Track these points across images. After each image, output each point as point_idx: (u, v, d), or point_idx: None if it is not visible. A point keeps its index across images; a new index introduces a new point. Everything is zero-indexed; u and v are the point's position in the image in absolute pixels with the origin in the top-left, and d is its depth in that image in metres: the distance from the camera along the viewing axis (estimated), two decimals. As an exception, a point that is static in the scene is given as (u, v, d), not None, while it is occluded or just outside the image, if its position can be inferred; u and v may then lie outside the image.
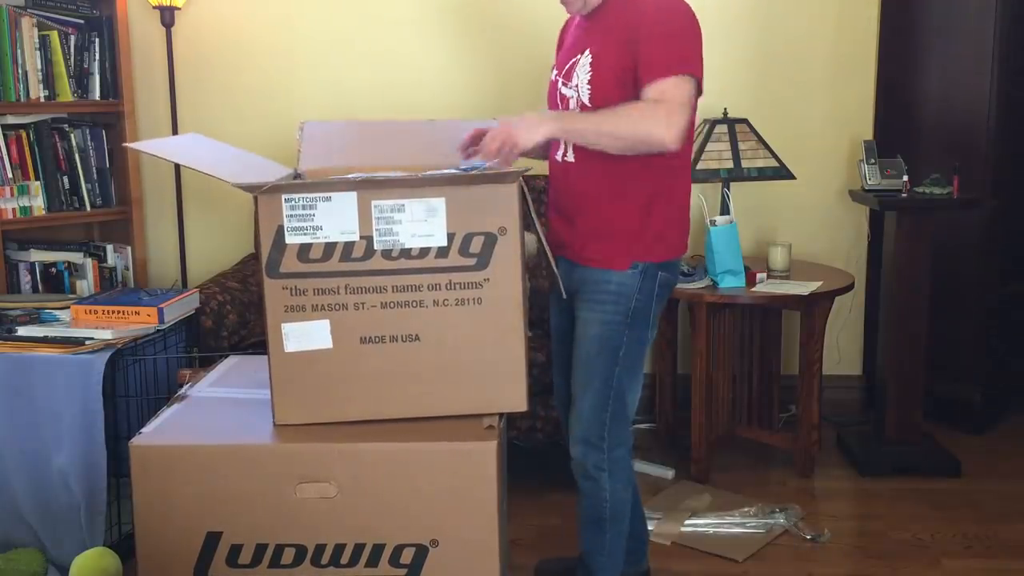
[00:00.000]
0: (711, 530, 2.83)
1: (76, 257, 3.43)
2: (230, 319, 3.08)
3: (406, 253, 1.84)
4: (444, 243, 1.84)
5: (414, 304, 1.85)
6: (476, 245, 1.84)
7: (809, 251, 3.64)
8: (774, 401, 3.39)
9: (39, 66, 3.28)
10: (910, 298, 3.19)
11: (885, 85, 3.63)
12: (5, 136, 3.20)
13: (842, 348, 3.77)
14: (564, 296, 2.18)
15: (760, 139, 3.36)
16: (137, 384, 2.57)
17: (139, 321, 2.63)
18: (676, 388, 3.49)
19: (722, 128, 3.34)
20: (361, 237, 1.83)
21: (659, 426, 3.52)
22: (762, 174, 3.30)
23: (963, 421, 3.55)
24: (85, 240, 3.57)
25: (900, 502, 3.03)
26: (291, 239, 1.83)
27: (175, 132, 3.59)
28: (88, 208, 3.42)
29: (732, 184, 3.37)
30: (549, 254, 2.08)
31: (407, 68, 3.63)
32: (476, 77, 3.65)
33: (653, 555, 2.52)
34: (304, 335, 1.86)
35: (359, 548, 1.85)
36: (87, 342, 2.50)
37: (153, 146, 2.30)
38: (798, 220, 3.69)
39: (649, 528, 2.55)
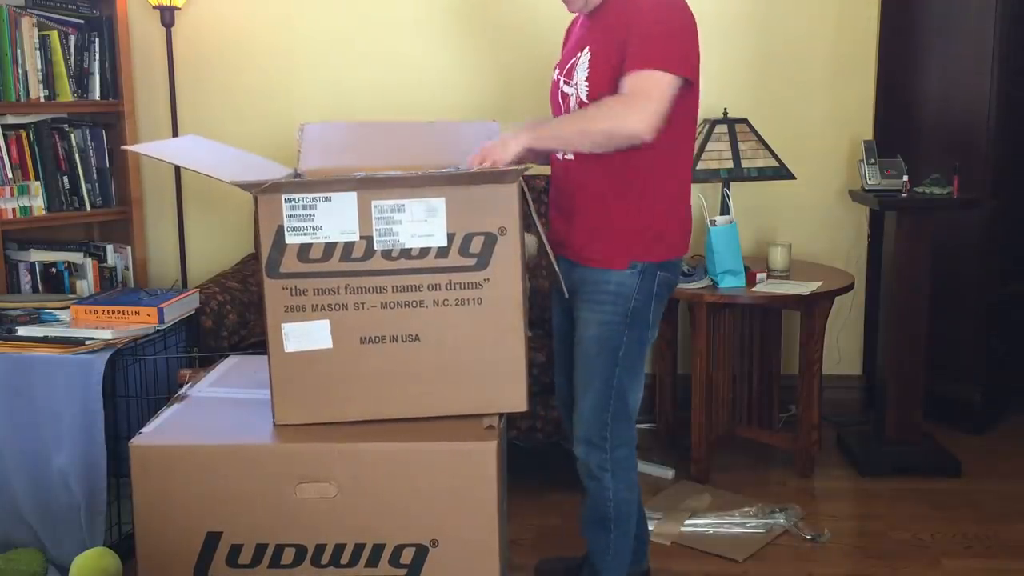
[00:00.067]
0: (711, 530, 2.83)
1: (76, 257, 3.43)
2: (230, 319, 3.08)
3: (406, 253, 1.84)
4: (444, 243, 1.84)
5: (414, 304, 1.85)
6: (476, 245, 1.84)
7: (809, 251, 3.64)
8: (774, 401, 3.39)
9: (39, 66, 3.28)
10: (910, 298, 3.19)
11: (885, 85, 3.63)
12: (5, 136, 3.20)
13: (842, 348, 3.77)
14: (566, 295, 2.19)
15: (760, 139, 3.36)
16: (137, 384, 2.57)
17: (139, 321, 2.63)
18: (676, 388, 3.49)
19: (722, 128, 3.34)
20: (361, 237, 1.83)
21: (659, 426, 3.53)
22: (762, 174, 3.30)
23: (963, 421, 3.55)
24: (85, 240, 3.58)
25: (900, 502, 3.03)
26: (291, 239, 1.83)
27: (175, 132, 3.59)
28: (88, 208, 3.42)
29: (732, 184, 3.37)
30: (551, 253, 2.09)
31: (407, 68, 3.63)
32: (477, 77, 3.65)
33: (653, 555, 2.52)
34: (304, 335, 1.86)
35: (359, 548, 1.85)
36: (87, 342, 2.50)
37: (153, 148, 2.30)
38: (798, 220, 3.69)
39: (649, 528, 2.55)
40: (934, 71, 3.53)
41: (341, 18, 3.63)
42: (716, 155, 3.29)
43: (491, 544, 1.85)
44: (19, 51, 3.21)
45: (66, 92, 3.34)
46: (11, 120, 3.22)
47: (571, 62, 2.16)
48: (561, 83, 2.20)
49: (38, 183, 3.28)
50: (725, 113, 3.39)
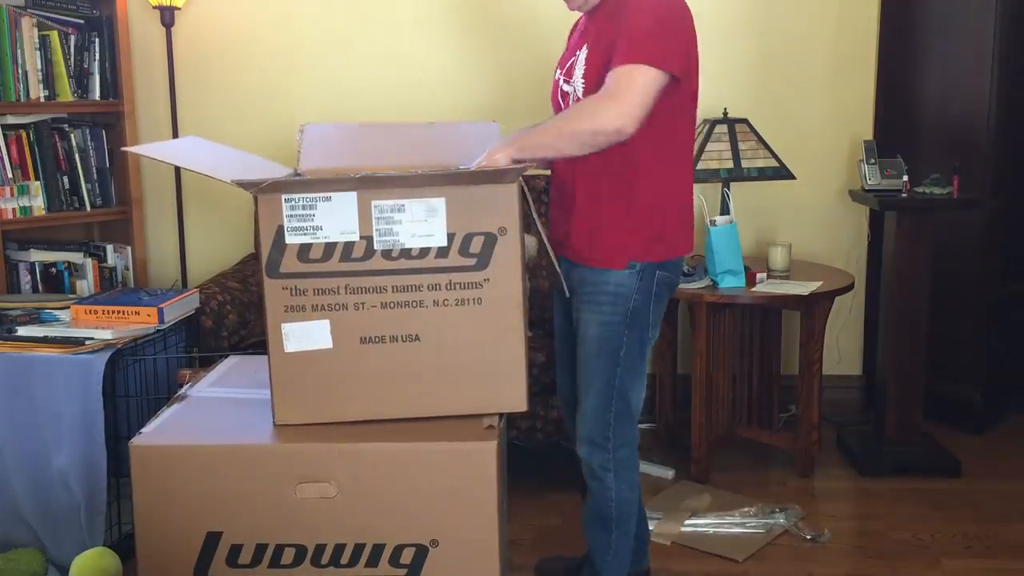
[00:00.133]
0: (711, 530, 2.83)
1: (76, 257, 3.43)
2: (230, 319, 3.08)
3: (406, 253, 1.84)
4: (444, 243, 1.84)
5: (414, 304, 1.85)
6: (476, 245, 1.84)
7: (809, 251, 3.64)
8: (774, 401, 3.39)
9: (39, 66, 3.28)
10: (910, 298, 3.19)
11: (885, 85, 3.63)
12: (5, 136, 3.20)
13: (842, 348, 3.77)
14: (567, 295, 2.19)
15: (760, 139, 3.36)
16: (137, 384, 2.57)
17: (139, 321, 2.63)
18: (676, 388, 3.49)
19: (722, 128, 3.34)
20: (361, 237, 1.83)
21: (659, 426, 3.53)
22: (762, 174, 3.30)
23: (963, 421, 3.55)
24: (85, 240, 3.58)
25: (900, 502, 3.03)
26: (291, 239, 1.83)
27: (175, 132, 3.59)
28: (88, 208, 3.42)
29: (732, 184, 3.37)
30: (551, 253, 2.08)
31: (408, 68, 3.63)
32: (477, 77, 3.65)
33: (653, 555, 2.52)
34: (304, 335, 1.86)
35: (359, 548, 1.85)
36: (87, 342, 2.50)
37: (152, 149, 2.30)
38: (798, 220, 3.69)
39: (649, 528, 2.55)
40: (934, 71, 3.53)
41: (341, 18, 3.63)
42: (716, 155, 3.29)
43: (491, 544, 1.85)
44: (19, 51, 3.21)
45: (66, 92, 3.34)
46: (11, 120, 3.22)
47: (571, 61, 2.17)
48: (561, 82, 2.21)
49: (38, 183, 3.28)
50: (725, 113, 3.39)
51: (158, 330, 2.63)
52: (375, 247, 1.83)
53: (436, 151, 2.09)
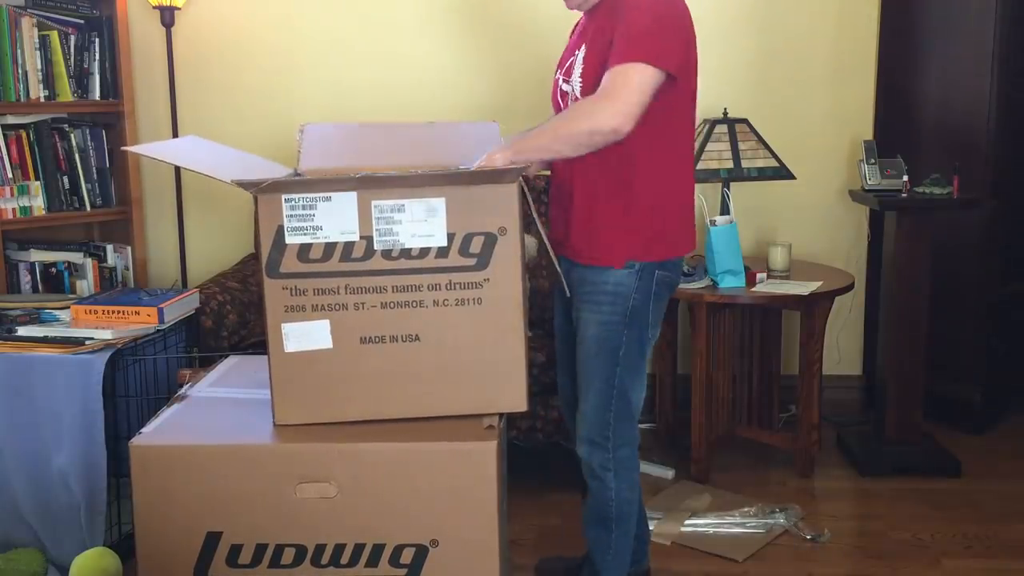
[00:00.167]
0: (711, 530, 2.83)
1: (76, 257, 3.43)
2: (230, 319, 3.08)
3: (406, 253, 1.84)
4: (444, 243, 1.84)
5: (414, 304, 1.85)
6: (476, 245, 1.84)
7: (809, 251, 3.64)
8: (774, 401, 3.39)
9: (39, 66, 3.28)
10: (910, 298, 3.19)
11: (885, 85, 3.63)
12: (5, 136, 3.20)
13: (842, 348, 3.77)
14: (568, 294, 2.19)
15: (760, 139, 3.36)
16: (137, 384, 2.57)
17: (139, 321, 2.63)
18: (676, 388, 3.49)
19: (722, 128, 3.34)
20: (361, 237, 1.83)
21: (659, 426, 3.53)
22: (762, 174, 3.30)
23: (963, 421, 3.55)
24: (85, 240, 3.58)
25: (900, 502, 3.03)
26: (291, 239, 1.83)
27: (175, 132, 3.59)
28: (88, 208, 3.42)
29: (732, 184, 3.37)
30: (552, 253, 2.08)
31: (407, 68, 3.63)
32: (477, 77, 3.65)
33: (653, 555, 2.52)
34: (304, 335, 1.86)
35: (359, 548, 1.85)
36: (87, 342, 2.50)
37: (152, 149, 2.30)
38: (798, 220, 3.69)
39: (649, 528, 2.55)
40: (934, 72, 3.53)
41: (341, 18, 3.63)
42: (716, 155, 3.29)
43: (491, 544, 1.85)
44: (19, 51, 3.21)
45: (66, 92, 3.34)
46: (11, 120, 3.22)
47: (570, 61, 2.18)
48: (560, 81, 2.21)
49: (38, 183, 3.28)
50: (725, 113, 3.39)
51: (158, 330, 2.63)
52: (375, 247, 1.83)
53: (436, 151, 2.09)
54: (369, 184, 1.81)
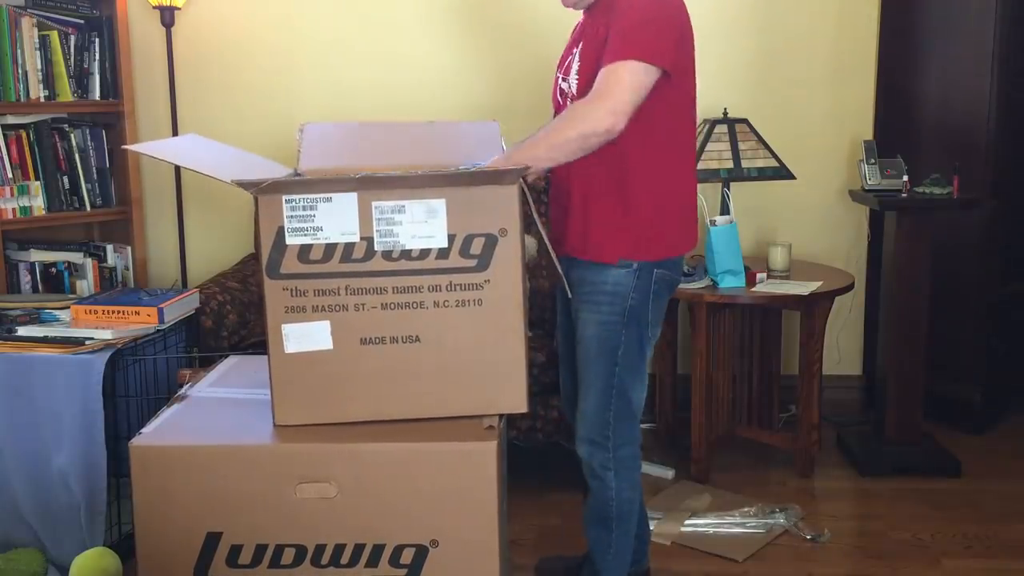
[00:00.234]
0: (711, 530, 2.83)
1: (76, 257, 3.43)
2: (230, 319, 3.08)
3: (406, 254, 1.84)
4: (444, 244, 1.84)
5: (414, 305, 1.85)
6: (477, 246, 1.84)
7: (809, 251, 3.64)
8: (774, 401, 3.39)
9: (39, 66, 3.28)
10: (910, 298, 3.19)
11: (885, 85, 3.63)
12: (5, 136, 3.20)
13: (842, 348, 3.77)
14: (569, 295, 2.19)
15: (760, 139, 3.36)
16: (137, 384, 2.57)
17: (139, 321, 2.63)
18: (676, 388, 3.49)
19: (722, 128, 3.34)
20: (362, 238, 1.83)
21: (659, 426, 3.53)
22: (762, 174, 3.30)
23: (963, 421, 3.55)
24: (85, 240, 3.58)
25: (900, 502, 3.03)
26: (291, 240, 1.83)
27: (175, 132, 3.59)
28: (88, 208, 3.42)
29: (732, 184, 3.37)
30: (552, 253, 2.08)
31: (408, 68, 3.63)
32: (477, 77, 3.65)
33: (653, 555, 2.52)
34: (304, 336, 1.86)
35: (359, 548, 1.85)
36: (87, 342, 2.50)
37: (152, 148, 2.30)
38: (798, 220, 3.69)
39: (649, 528, 2.55)
40: (934, 72, 3.53)
41: (341, 18, 3.63)
42: (716, 155, 3.29)
43: (491, 544, 1.85)
44: (19, 51, 3.21)
45: (66, 92, 3.34)
46: (11, 120, 3.22)
47: (568, 59, 2.18)
48: (559, 80, 2.22)
49: (38, 183, 3.28)
50: (725, 113, 3.39)
51: (158, 330, 2.63)
52: (375, 248, 1.83)
53: (436, 150, 2.09)
54: (369, 185, 1.81)
